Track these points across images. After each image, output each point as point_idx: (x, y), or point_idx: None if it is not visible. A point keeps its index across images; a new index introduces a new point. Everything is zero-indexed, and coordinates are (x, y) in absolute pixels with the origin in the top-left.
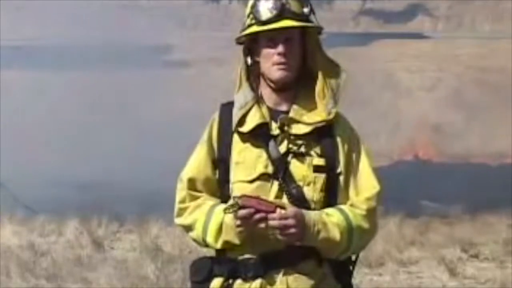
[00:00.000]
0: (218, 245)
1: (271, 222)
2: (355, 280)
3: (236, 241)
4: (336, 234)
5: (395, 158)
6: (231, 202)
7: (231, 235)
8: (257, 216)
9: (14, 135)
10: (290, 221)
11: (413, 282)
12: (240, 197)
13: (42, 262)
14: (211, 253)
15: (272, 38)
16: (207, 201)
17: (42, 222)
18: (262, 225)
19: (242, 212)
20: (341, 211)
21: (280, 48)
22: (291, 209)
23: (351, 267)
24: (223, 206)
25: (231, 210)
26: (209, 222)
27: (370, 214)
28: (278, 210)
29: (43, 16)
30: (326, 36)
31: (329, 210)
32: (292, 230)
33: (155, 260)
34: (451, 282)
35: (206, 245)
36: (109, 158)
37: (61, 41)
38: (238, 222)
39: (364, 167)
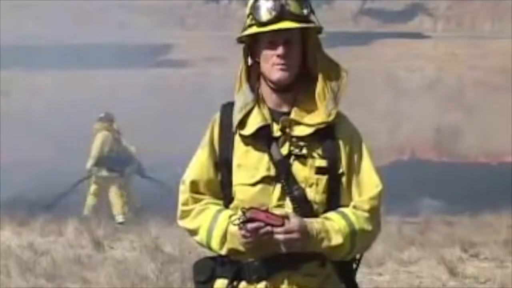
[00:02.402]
0: (223, 252)
1: (277, 236)
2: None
3: (241, 248)
4: (339, 240)
5: (395, 157)
6: (239, 214)
7: (236, 243)
8: (264, 230)
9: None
10: (295, 235)
11: (413, 282)
12: (248, 210)
13: (42, 262)
14: (213, 253)
15: (272, 39)
16: (210, 205)
17: (42, 222)
18: (267, 237)
19: (251, 225)
20: (344, 216)
21: (280, 50)
22: (294, 221)
23: (354, 266)
24: (227, 212)
25: (239, 223)
26: (213, 229)
27: (373, 214)
28: (286, 222)
29: (43, 16)
30: (326, 36)
31: (332, 215)
32: (296, 244)
33: (155, 260)
34: (451, 281)
35: (211, 249)
36: None
37: (61, 41)
38: (247, 234)
39: (366, 166)
